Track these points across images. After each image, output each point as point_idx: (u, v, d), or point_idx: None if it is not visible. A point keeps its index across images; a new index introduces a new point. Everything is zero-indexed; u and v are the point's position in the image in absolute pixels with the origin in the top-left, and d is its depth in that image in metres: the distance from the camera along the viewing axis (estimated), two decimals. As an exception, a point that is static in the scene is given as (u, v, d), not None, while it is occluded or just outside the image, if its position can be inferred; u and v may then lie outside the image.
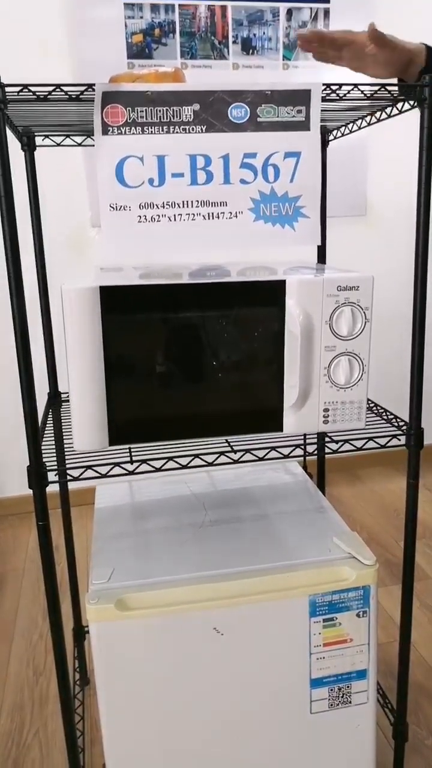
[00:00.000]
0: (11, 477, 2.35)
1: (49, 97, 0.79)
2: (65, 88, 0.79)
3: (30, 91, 0.79)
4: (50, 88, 0.79)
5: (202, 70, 2.08)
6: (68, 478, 0.87)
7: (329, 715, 0.96)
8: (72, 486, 1.22)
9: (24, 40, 1.99)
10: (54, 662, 1.52)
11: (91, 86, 0.79)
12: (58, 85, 0.79)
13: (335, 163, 2.22)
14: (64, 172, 2.11)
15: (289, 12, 2.09)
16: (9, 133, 0.85)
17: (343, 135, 1.15)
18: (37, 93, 0.79)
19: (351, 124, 1.10)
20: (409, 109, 0.89)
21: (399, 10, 2.23)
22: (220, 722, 0.93)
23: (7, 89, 0.77)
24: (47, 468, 0.86)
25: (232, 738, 0.94)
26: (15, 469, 2.34)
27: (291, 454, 0.95)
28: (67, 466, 0.88)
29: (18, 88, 0.78)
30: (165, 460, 0.90)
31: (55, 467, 0.88)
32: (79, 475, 0.87)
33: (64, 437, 1.02)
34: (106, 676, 0.88)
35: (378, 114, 0.99)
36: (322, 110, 0.86)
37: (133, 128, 0.82)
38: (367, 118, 1.03)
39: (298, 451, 0.96)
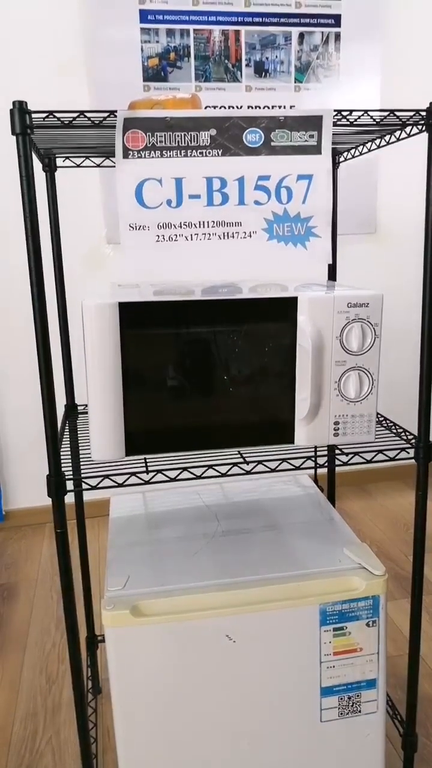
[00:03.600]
0: (25, 489, 2.38)
1: (73, 123, 0.83)
2: (88, 115, 0.83)
3: (55, 117, 0.83)
4: (74, 115, 0.83)
5: (215, 92, 2.13)
6: (86, 487, 0.90)
7: (339, 724, 0.97)
8: (85, 498, 1.25)
9: (44, 62, 2.06)
10: (66, 671, 1.54)
11: (113, 113, 0.84)
12: (81, 112, 0.83)
13: (346, 181, 2.27)
14: (80, 190, 2.16)
15: (301, 36, 2.15)
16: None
17: (353, 157, 1.18)
18: (61, 119, 0.83)
19: (361, 147, 1.13)
20: (417, 133, 0.93)
21: (409, 35, 2.28)
22: (231, 728, 0.95)
23: (33, 115, 0.81)
24: (65, 477, 0.89)
25: (243, 744, 0.95)
26: (29, 481, 2.37)
27: (302, 466, 0.97)
28: (85, 475, 0.91)
29: (43, 115, 0.82)
30: (179, 471, 0.93)
31: (73, 477, 0.91)
32: (97, 485, 0.90)
33: (81, 448, 1.05)
34: (120, 680, 0.90)
35: (387, 137, 1.02)
36: (333, 134, 0.90)
37: (152, 152, 0.86)
38: (377, 141, 1.07)
39: (309, 463, 0.98)
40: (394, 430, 1.07)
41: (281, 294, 0.88)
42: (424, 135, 0.92)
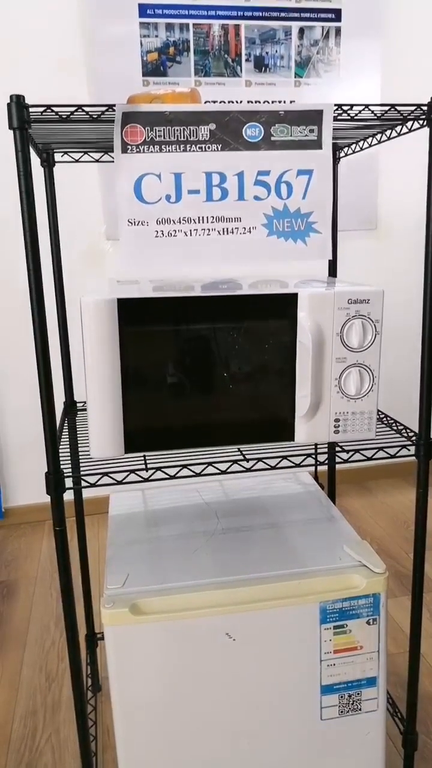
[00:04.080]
0: (25, 486, 2.38)
1: (71, 117, 0.83)
2: (86, 109, 0.83)
3: (53, 111, 0.82)
4: (72, 109, 0.82)
5: (215, 87, 2.12)
6: (85, 484, 0.90)
7: (340, 722, 0.97)
8: (84, 495, 1.24)
9: (43, 57, 2.04)
10: (66, 669, 1.54)
11: (111, 107, 0.83)
12: (79, 106, 0.82)
13: (347, 177, 2.26)
14: (79, 186, 2.15)
15: (301, 31, 2.14)
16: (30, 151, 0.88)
17: (354, 152, 1.17)
18: (59, 113, 0.82)
19: (362, 142, 1.12)
20: (419, 128, 0.92)
21: (410, 30, 2.27)
22: (231, 727, 0.94)
23: (31, 109, 0.80)
24: (64, 475, 0.89)
25: (243, 743, 0.95)
26: (28, 479, 2.37)
27: (302, 464, 0.97)
28: (84, 473, 0.91)
29: (41, 109, 0.81)
30: (179, 468, 0.92)
31: (72, 474, 0.90)
32: (96, 482, 0.89)
33: (80, 446, 1.05)
34: (119, 678, 0.90)
35: (388, 132, 1.02)
36: (333, 129, 0.89)
37: (151, 147, 0.85)
38: (378, 136, 1.06)
39: (310, 461, 0.97)
40: (395, 428, 1.07)
41: (281, 290, 0.88)
42: (425, 130, 0.91)
